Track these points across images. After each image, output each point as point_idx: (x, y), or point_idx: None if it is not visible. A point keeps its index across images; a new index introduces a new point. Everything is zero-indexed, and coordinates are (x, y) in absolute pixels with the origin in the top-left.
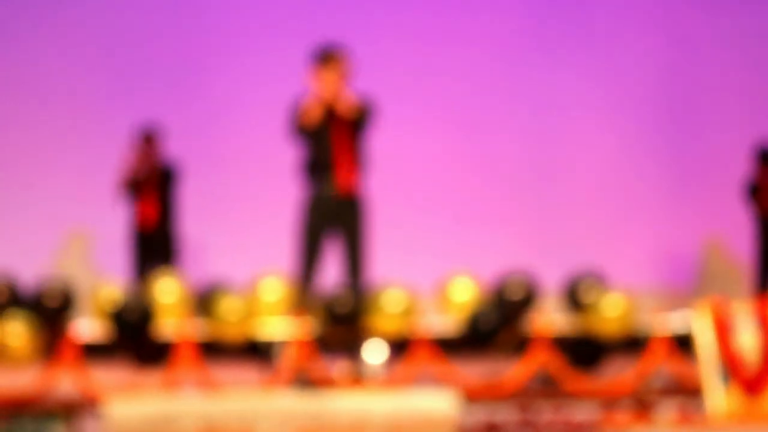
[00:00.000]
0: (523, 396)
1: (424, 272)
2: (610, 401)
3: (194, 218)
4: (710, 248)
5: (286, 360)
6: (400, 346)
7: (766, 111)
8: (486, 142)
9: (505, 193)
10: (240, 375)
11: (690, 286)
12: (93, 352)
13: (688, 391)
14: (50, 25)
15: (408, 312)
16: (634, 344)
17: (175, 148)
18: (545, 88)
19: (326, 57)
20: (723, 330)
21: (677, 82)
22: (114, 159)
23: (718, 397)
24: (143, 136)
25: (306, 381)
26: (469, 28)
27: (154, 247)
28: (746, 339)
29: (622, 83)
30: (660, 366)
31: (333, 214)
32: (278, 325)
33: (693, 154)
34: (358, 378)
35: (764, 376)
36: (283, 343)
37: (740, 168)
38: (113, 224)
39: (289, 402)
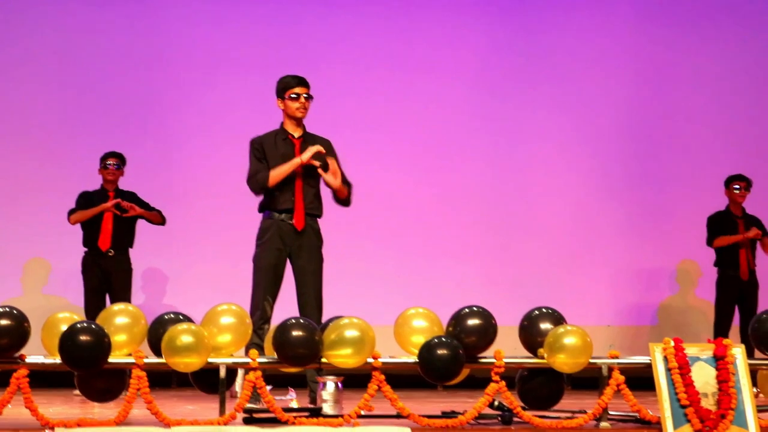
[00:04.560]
0: None
1: (382, 305)
2: None
3: (149, 249)
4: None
5: (241, 391)
6: (355, 380)
7: (732, 148)
8: (448, 176)
9: (466, 228)
10: (193, 406)
11: (651, 324)
12: (45, 381)
13: (646, 430)
14: (6, 56)
15: (364, 345)
16: (591, 382)
17: (133, 179)
18: (510, 123)
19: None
20: (681, 369)
21: (642, 120)
22: (74, 189)
23: None
24: (106, 160)
25: (260, 412)
26: (436, 60)
27: (111, 276)
28: (704, 379)
29: (587, 120)
30: (618, 404)
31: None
32: (233, 357)
33: (657, 192)
34: (312, 411)
35: (721, 417)
36: (238, 375)
37: (705, 206)
38: (72, 254)
39: None
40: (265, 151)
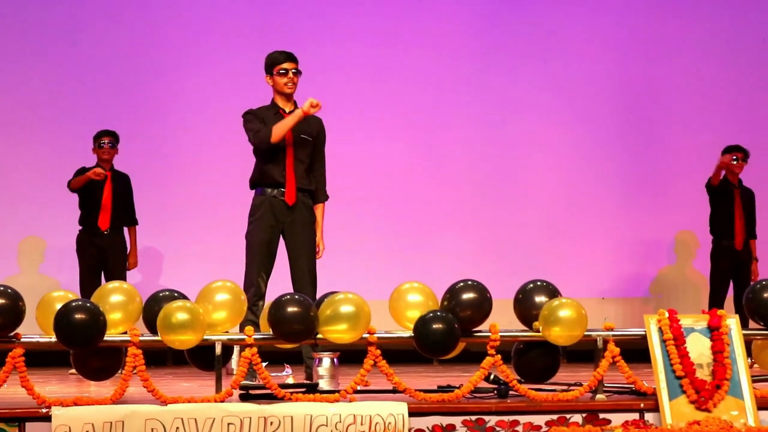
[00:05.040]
0: (475, 406)
1: (376, 280)
2: (562, 411)
3: (145, 228)
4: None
5: (237, 368)
6: (351, 355)
7: (728, 118)
8: (441, 149)
9: (461, 202)
10: (189, 383)
11: (646, 296)
12: (41, 360)
13: (641, 402)
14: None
15: (359, 321)
16: (587, 354)
17: (129, 157)
18: (504, 95)
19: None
20: (675, 340)
21: (634, 90)
22: (68, 167)
23: (671, 407)
24: (100, 139)
25: (256, 389)
26: (424, 33)
27: (106, 253)
28: (699, 350)
29: (582, 92)
30: (613, 376)
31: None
32: (229, 334)
33: (651, 163)
34: (309, 387)
35: (716, 388)
36: (233, 352)
37: (702, 176)
38: (66, 232)
39: (238, 410)
40: (260, 118)
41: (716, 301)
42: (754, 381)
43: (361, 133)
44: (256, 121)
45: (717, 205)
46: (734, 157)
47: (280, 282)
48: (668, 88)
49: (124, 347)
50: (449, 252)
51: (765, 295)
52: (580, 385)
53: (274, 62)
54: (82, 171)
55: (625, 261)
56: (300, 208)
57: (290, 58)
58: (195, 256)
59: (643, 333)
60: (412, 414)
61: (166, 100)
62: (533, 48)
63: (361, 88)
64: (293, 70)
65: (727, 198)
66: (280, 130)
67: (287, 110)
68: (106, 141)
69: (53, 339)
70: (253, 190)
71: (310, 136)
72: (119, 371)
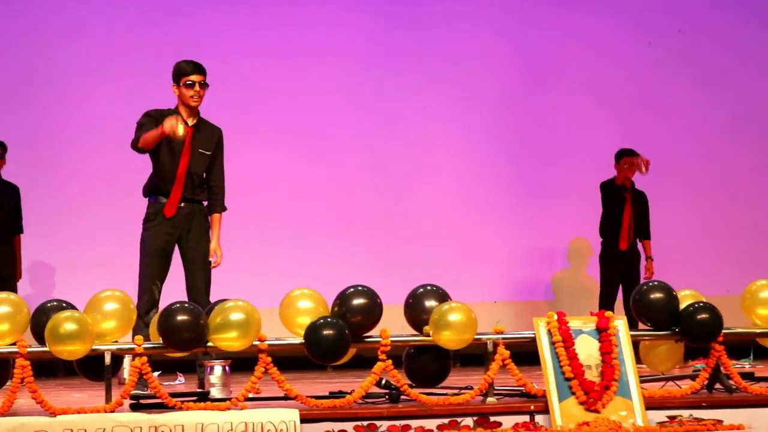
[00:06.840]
0: (367, 411)
1: (267, 287)
2: (453, 415)
3: (32, 235)
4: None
5: (127, 377)
6: (243, 363)
7: (612, 124)
8: (333, 156)
9: (351, 208)
10: (81, 394)
11: (539, 299)
12: None
13: (532, 404)
14: None
15: (250, 328)
16: (480, 358)
17: (18, 165)
18: (396, 101)
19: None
20: (564, 342)
21: (524, 96)
22: None
23: (561, 409)
24: None
25: (147, 398)
26: (318, 43)
27: None
28: (587, 351)
29: (473, 99)
30: (504, 379)
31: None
32: (118, 343)
33: (547, 170)
34: (199, 395)
35: (604, 389)
36: (123, 361)
37: (595, 183)
38: None
39: (129, 420)
40: (158, 124)
41: (606, 303)
42: (642, 381)
43: (254, 141)
44: (149, 125)
45: (607, 208)
46: (627, 163)
47: (174, 291)
48: (557, 94)
49: (12, 358)
50: (340, 258)
51: (651, 296)
52: (471, 388)
53: (181, 72)
54: None
55: (518, 266)
56: (197, 216)
57: (198, 69)
58: (87, 266)
59: (533, 335)
60: (303, 420)
61: (54, 108)
62: (429, 61)
63: (253, 97)
64: (200, 83)
65: (618, 201)
66: (144, 141)
67: (189, 123)
68: None
69: None
70: (147, 198)
71: (208, 150)
72: (8, 383)
